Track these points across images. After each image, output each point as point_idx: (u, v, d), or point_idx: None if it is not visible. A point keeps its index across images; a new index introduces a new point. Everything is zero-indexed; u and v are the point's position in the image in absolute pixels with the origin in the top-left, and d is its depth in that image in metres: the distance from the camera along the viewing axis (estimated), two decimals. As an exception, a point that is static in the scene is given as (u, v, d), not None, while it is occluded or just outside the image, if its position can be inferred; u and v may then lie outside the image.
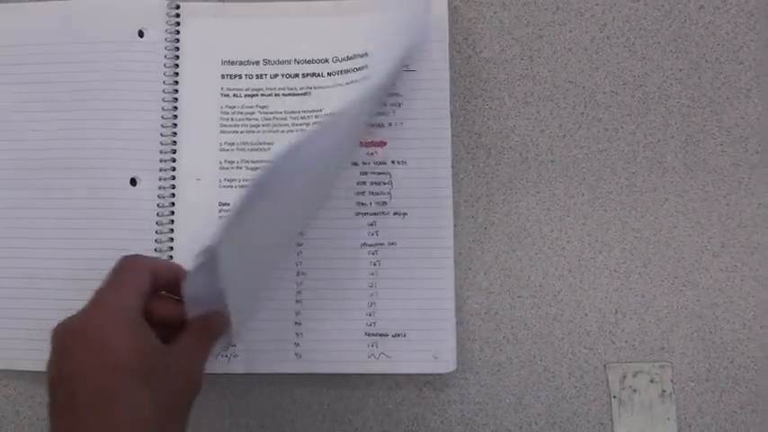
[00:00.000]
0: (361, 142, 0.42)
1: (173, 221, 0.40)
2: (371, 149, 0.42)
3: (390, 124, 0.42)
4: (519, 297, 0.41)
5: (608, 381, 0.41)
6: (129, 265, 0.32)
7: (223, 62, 0.42)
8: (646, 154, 0.42)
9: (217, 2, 0.42)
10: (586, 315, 0.41)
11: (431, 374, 0.41)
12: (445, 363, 0.40)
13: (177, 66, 0.42)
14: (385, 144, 0.42)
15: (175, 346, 0.31)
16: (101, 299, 0.30)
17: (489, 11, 0.43)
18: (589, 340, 0.41)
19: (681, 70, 0.43)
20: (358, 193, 0.42)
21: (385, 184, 0.42)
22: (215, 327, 0.33)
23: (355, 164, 0.42)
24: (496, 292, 0.41)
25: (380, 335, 0.40)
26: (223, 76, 0.42)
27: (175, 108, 0.42)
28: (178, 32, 0.42)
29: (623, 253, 0.42)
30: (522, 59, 0.43)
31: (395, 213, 0.42)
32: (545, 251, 0.42)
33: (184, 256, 0.39)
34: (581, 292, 0.41)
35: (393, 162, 0.42)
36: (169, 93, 0.41)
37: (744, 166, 0.42)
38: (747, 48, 0.43)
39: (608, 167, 0.42)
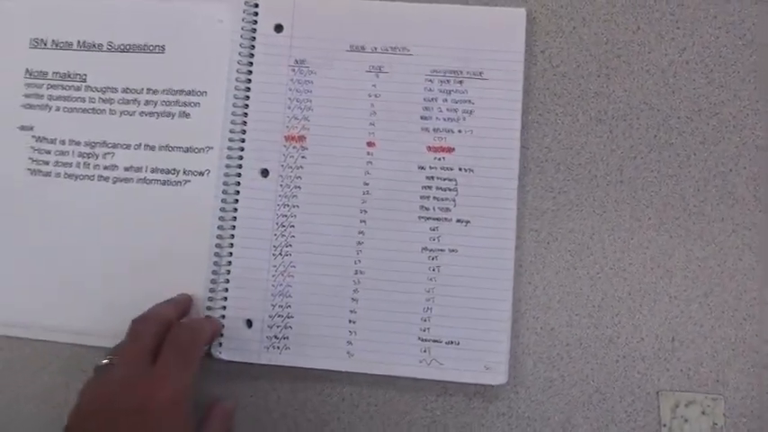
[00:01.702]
0: (428, 147, 0.47)
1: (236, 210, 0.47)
2: (439, 155, 0.48)
3: (460, 131, 0.48)
4: (576, 315, 0.47)
5: (659, 408, 0.46)
6: (140, 330, 0.41)
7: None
8: (716, 183, 0.48)
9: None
10: (642, 340, 0.47)
11: (481, 385, 0.46)
12: (497, 374, 0.46)
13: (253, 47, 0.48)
14: (453, 150, 0.48)
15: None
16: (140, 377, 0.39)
17: (569, 25, 0.49)
18: (643, 366, 0.46)
19: (758, 102, 0.48)
20: (422, 197, 0.47)
21: (450, 190, 0.47)
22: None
23: (422, 167, 0.48)
24: (554, 308, 0.47)
25: (434, 341, 0.46)
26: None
27: (247, 98, 0.48)
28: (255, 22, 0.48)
29: (685, 281, 0.47)
30: (599, 77, 0.49)
31: (458, 220, 0.47)
32: (606, 272, 0.47)
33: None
34: (639, 316, 0.47)
35: (460, 169, 0.48)
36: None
37: (814, 202, 0.46)
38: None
39: (677, 193, 0.48)
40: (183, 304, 0.44)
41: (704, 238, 0.47)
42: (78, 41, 0.49)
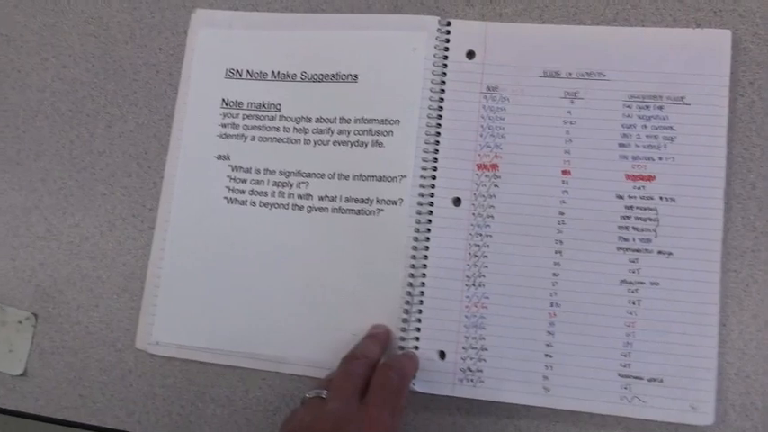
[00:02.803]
0: (627, 175, 0.51)
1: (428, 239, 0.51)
2: (639, 183, 0.51)
3: (660, 158, 0.51)
4: None
5: None
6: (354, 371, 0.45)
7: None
8: None
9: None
10: None
11: (685, 425, 0.48)
12: (703, 414, 0.48)
13: (445, 74, 0.53)
14: (653, 178, 0.51)
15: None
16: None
17: None
18: None
19: None
20: (621, 227, 0.50)
21: (651, 220, 0.50)
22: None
23: (620, 197, 0.51)
24: (750, 353, 0.49)
25: (635, 377, 0.49)
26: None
27: (439, 125, 0.53)
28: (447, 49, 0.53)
29: None
30: None
31: (659, 252, 0.50)
32: None
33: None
34: None
35: (661, 198, 0.50)
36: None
37: None
38: None
39: None
40: (385, 340, 0.48)
41: None
42: (273, 72, 0.56)
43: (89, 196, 0.57)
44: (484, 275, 0.51)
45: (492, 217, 0.52)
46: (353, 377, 0.44)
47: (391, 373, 0.46)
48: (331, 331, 0.51)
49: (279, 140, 0.55)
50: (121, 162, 0.57)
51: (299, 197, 0.53)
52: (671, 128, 0.51)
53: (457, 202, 0.52)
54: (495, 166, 0.52)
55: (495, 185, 0.52)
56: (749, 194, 0.50)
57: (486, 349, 0.51)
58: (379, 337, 0.49)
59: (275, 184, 0.54)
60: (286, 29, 0.56)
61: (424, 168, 0.53)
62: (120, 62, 0.59)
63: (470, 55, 0.54)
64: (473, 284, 0.51)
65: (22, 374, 0.56)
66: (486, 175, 0.52)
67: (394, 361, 0.48)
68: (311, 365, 0.51)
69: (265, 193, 0.54)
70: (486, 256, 0.51)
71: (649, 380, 0.49)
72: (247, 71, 0.56)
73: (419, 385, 0.51)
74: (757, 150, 0.50)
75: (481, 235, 0.52)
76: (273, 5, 0.57)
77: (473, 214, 0.52)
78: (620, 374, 0.49)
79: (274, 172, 0.54)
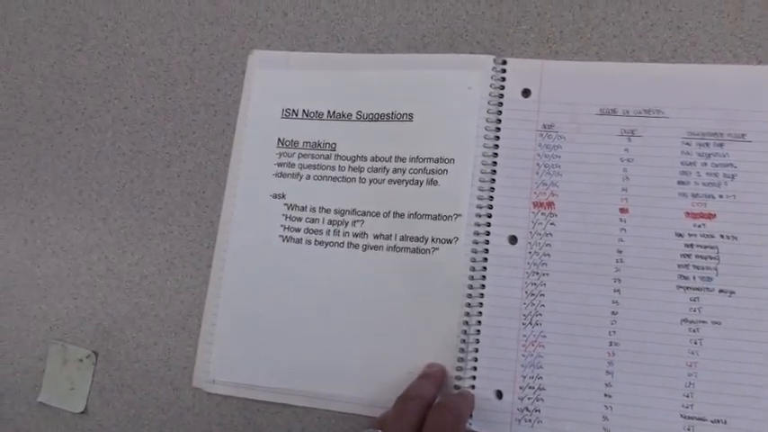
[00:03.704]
0: (687, 213, 0.55)
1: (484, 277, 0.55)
2: (699, 221, 0.54)
3: (721, 196, 0.54)
4: None
5: None
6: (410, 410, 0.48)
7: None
8: None
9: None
10: None
11: None
12: None
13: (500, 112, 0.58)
14: (714, 216, 0.54)
15: None
16: None
17: None
18: None
19: None
20: (681, 266, 0.54)
21: (711, 258, 0.53)
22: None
23: (680, 235, 0.54)
24: None
25: (698, 419, 0.51)
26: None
27: (495, 163, 0.58)
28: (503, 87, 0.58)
29: None
30: None
31: (720, 291, 0.53)
32: None
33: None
34: None
35: (722, 236, 0.53)
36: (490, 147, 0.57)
37: None
38: None
39: None
40: (440, 380, 0.51)
41: None
42: (328, 111, 0.61)
43: (148, 235, 0.62)
44: (541, 314, 0.55)
45: (549, 255, 0.55)
46: (408, 417, 0.47)
47: (447, 414, 0.49)
48: (386, 370, 0.55)
49: (334, 179, 0.59)
50: (180, 201, 0.63)
51: (355, 235, 0.58)
52: (731, 165, 0.54)
53: (513, 240, 0.56)
54: (551, 204, 0.56)
55: (552, 223, 0.56)
56: None
57: (543, 389, 0.54)
58: (433, 377, 0.52)
59: (330, 222, 0.58)
60: (341, 69, 0.61)
61: (479, 206, 0.57)
62: (180, 102, 0.64)
63: (526, 93, 0.58)
64: (530, 323, 0.55)
65: (82, 412, 0.61)
66: (543, 213, 0.56)
67: (449, 401, 0.51)
68: (367, 404, 0.55)
69: (320, 232, 0.59)
70: (543, 295, 0.55)
71: (713, 421, 0.51)
72: (303, 111, 0.61)
73: (476, 425, 0.54)
74: None
75: (538, 273, 0.55)
76: (330, 46, 0.62)
77: (529, 252, 0.56)
78: (682, 416, 0.52)
79: (329, 210, 0.59)
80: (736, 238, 0.53)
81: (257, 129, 0.62)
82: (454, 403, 0.51)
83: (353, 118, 0.60)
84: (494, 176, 0.57)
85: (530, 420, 0.54)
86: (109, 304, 0.62)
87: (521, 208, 0.57)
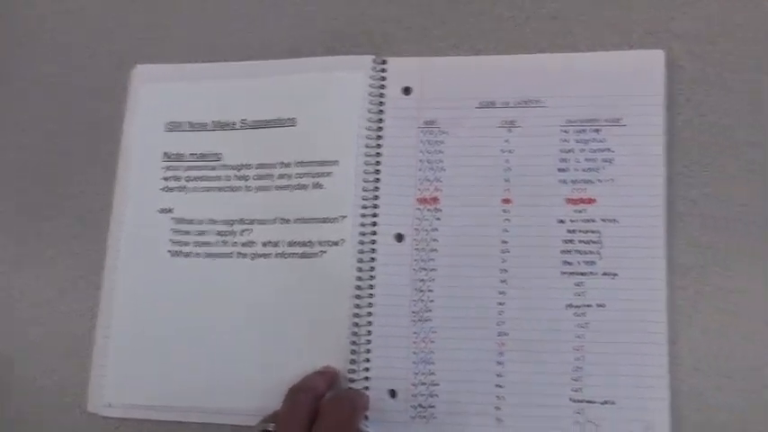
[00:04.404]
0: (567, 199, 0.59)
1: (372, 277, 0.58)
2: (580, 207, 0.58)
3: (600, 180, 0.58)
4: (727, 378, 0.53)
5: None
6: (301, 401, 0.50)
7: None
8: None
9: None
10: None
11: None
12: None
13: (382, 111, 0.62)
14: (594, 201, 0.57)
15: None
16: None
17: (714, 72, 0.58)
18: None
19: None
20: (564, 252, 0.57)
21: (594, 242, 0.57)
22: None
23: (562, 221, 0.58)
24: (702, 370, 0.54)
25: (588, 401, 0.55)
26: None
27: (378, 163, 0.61)
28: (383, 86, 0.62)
29: None
30: (751, 126, 0.56)
31: (604, 274, 0.57)
32: (761, 332, 0.52)
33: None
34: None
35: (603, 220, 0.57)
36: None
37: None
38: None
39: None
40: (332, 376, 0.53)
41: None
42: (212, 122, 0.64)
43: (37, 262, 0.65)
44: (430, 310, 0.58)
45: (435, 250, 0.59)
46: (301, 409, 0.48)
47: (340, 406, 0.51)
48: (282, 378, 0.56)
49: (221, 189, 0.62)
50: (67, 224, 0.64)
51: (243, 245, 0.61)
52: (608, 150, 0.58)
53: (399, 237, 0.59)
54: (435, 200, 0.59)
55: (437, 218, 0.59)
56: (691, 211, 0.57)
57: (437, 384, 0.56)
58: (326, 373, 0.53)
59: (219, 233, 0.61)
60: (224, 78, 0.64)
61: (364, 207, 0.59)
62: (63, 123, 0.66)
63: (407, 91, 0.61)
64: (420, 320, 0.58)
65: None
66: (428, 209, 0.59)
67: (344, 393, 0.54)
68: (264, 415, 0.56)
69: (209, 243, 0.61)
70: (432, 290, 0.58)
71: (602, 403, 0.55)
72: (188, 123, 0.64)
73: (372, 427, 0.56)
74: (697, 167, 0.57)
75: (425, 269, 0.58)
76: (212, 56, 0.65)
77: (416, 249, 0.59)
78: (572, 399, 0.55)
79: (217, 221, 0.61)
80: (616, 221, 0.57)
81: (142, 144, 0.64)
82: (348, 396, 0.54)
83: (237, 126, 0.63)
84: (378, 176, 0.60)
85: (424, 417, 0.57)
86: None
87: (406, 205, 0.60)
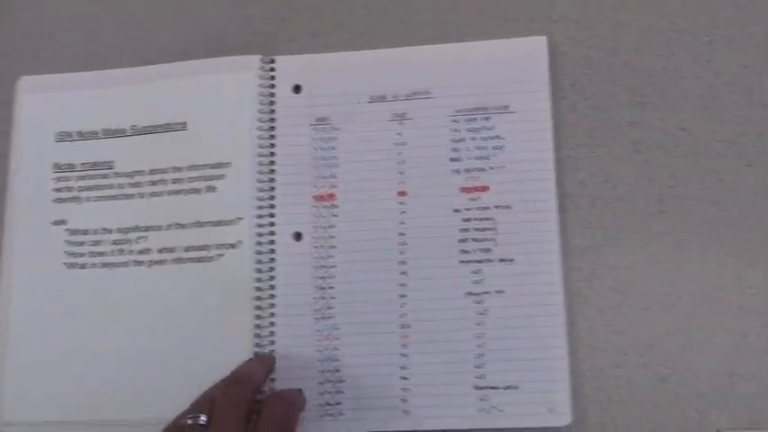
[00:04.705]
0: (462, 188, 0.59)
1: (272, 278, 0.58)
2: (474, 195, 0.58)
3: (492, 168, 0.58)
4: (625, 355, 0.55)
5: None
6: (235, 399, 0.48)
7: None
8: (765, 206, 0.52)
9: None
10: (698, 377, 0.51)
11: (545, 428, 0.54)
12: (561, 415, 0.54)
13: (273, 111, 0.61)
14: (487, 188, 0.58)
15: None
16: None
17: (597, 56, 0.59)
18: (701, 404, 0.51)
19: None
20: (461, 241, 0.57)
21: (489, 229, 0.57)
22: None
23: (457, 210, 0.58)
24: (600, 348, 0.55)
25: (491, 387, 0.55)
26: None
27: (272, 162, 0.61)
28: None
29: (739, 311, 0.51)
30: (632, 106, 0.58)
31: (501, 260, 0.57)
32: (654, 307, 0.54)
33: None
34: (692, 352, 0.51)
35: (497, 207, 0.57)
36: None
37: None
38: None
39: (723, 220, 0.53)
40: (270, 365, 0.52)
41: (756, 264, 0.54)
42: (102, 129, 0.62)
43: None
44: (332, 307, 0.57)
45: (334, 247, 0.58)
46: (239, 404, 0.46)
47: (282, 405, 0.49)
48: (185, 386, 0.54)
49: (114, 197, 0.61)
50: None
51: (139, 252, 0.59)
52: (499, 137, 0.59)
53: (298, 236, 0.59)
54: (332, 196, 0.59)
55: (335, 215, 0.59)
56: (581, 192, 0.58)
57: (342, 381, 0.56)
58: (264, 359, 0.53)
59: (114, 242, 0.60)
60: (111, 85, 0.62)
61: (260, 207, 0.59)
62: None
63: (297, 89, 0.61)
64: (323, 317, 0.57)
65: None
66: (325, 206, 0.59)
67: (285, 393, 0.54)
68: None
69: (105, 253, 0.60)
70: (333, 287, 0.58)
71: (505, 388, 0.55)
72: (78, 132, 0.62)
73: None
74: (584, 149, 0.58)
75: (325, 267, 0.58)
76: (101, 64, 0.64)
77: (315, 247, 0.59)
78: (475, 387, 0.55)
79: (112, 230, 0.60)
80: (509, 207, 0.58)
81: (32, 156, 0.62)
82: (289, 394, 0.53)
83: (128, 133, 0.62)
84: (273, 176, 0.60)
85: (332, 414, 0.56)
86: None
87: (302, 204, 0.60)
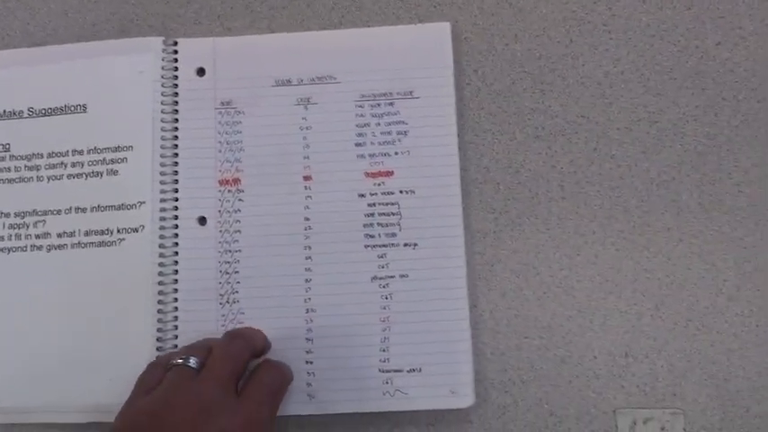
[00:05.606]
0: (366, 173, 0.59)
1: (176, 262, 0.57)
2: (378, 180, 0.58)
3: (396, 153, 0.58)
4: (526, 338, 0.56)
5: (617, 427, 0.52)
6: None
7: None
8: (660, 192, 0.55)
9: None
10: (595, 358, 0.54)
11: (448, 410, 0.55)
12: (463, 397, 0.55)
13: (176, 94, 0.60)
14: (392, 173, 0.58)
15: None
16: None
17: (500, 43, 0.60)
18: (598, 384, 0.53)
19: (697, 107, 0.58)
20: (366, 225, 0.57)
21: (394, 214, 0.57)
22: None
23: (362, 195, 0.58)
24: (502, 331, 0.56)
25: (395, 371, 0.55)
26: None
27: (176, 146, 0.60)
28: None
29: (635, 294, 0.54)
30: (534, 93, 0.59)
31: (405, 244, 0.57)
32: (553, 290, 0.56)
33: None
34: (590, 334, 0.54)
35: (401, 191, 0.58)
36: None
37: (761, 207, 0.53)
38: (766, 85, 0.58)
39: (620, 205, 0.55)
40: (266, 342, 0.54)
41: (651, 248, 0.57)
42: None
43: None
44: (237, 291, 0.57)
45: (239, 231, 0.58)
46: (236, 360, 0.47)
47: (276, 372, 0.50)
48: (92, 373, 0.55)
49: (10, 181, 0.59)
50: None
51: (37, 237, 0.58)
52: (403, 122, 0.59)
53: (202, 221, 0.58)
54: (237, 181, 0.58)
55: (240, 199, 0.58)
56: (485, 178, 0.58)
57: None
58: (262, 333, 0.53)
59: (11, 226, 0.58)
60: (8, 66, 0.60)
61: (163, 191, 0.58)
62: None
63: (201, 72, 0.60)
64: (227, 302, 0.57)
65: None
66: (230, 191, 0.58)
67: (278, 362, 0.53)
68: (75, 410, 0.55)
69: (1, 238, 0.58)
70: (238, 272, 0.57)
71: (409, 371, 0.55)
72: (-29, 114, 0.58)
73: None
74: (488, 135, 0.59)
75: (231, 251, 0.57)
76: None
77: (220, 231, 0.58)
78: (380, 370, 0.55)
79: (9, 214, 0.58)
80: (413, 192, 0.58)
81: None
82: (284, 365, 0.52)
83: (25, 115, 0.60)
84: (176, 159, 0.59)
85: (236, 399, 0.53)
86: None
87: (207, 188, 0.59)
